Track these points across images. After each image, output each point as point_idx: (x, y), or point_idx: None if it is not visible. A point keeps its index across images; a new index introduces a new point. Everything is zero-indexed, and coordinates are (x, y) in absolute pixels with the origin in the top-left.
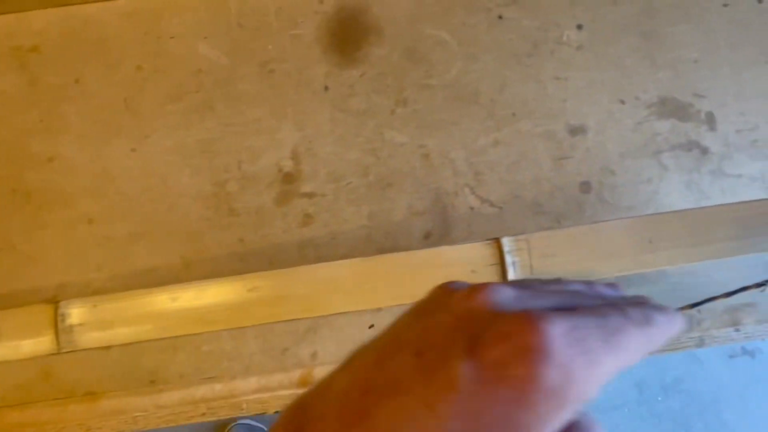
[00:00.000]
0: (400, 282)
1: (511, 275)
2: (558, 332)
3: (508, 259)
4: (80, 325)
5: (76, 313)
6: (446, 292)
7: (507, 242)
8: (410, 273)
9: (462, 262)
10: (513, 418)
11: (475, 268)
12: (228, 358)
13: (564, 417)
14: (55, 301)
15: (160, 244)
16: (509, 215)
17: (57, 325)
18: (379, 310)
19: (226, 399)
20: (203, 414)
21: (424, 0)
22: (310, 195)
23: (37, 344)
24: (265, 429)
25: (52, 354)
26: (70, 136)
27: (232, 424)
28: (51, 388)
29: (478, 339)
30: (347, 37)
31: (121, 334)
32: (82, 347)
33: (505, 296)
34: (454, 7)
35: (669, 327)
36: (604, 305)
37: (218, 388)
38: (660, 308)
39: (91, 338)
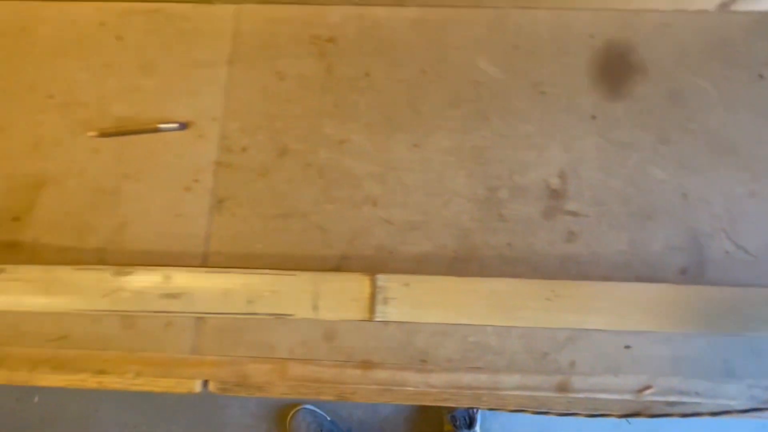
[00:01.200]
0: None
1: None
2: None
3: None
4: (393, 299)
5: (391, 287)
6: None
7: None
8: (714, 306)
9: None
10: None
11: None
12: (493, 352)
13: None
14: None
15: (434, 235)
16: (764, 265)
17: (374, 296)
18: (638, 333)
19: (489, 390)
20: (449, 400)
21: (688, 49)
22: (574, 213)
23: (352, 310)
24: (328, 417)
25: (363, 320)
26: (359, 123)
27: (297, 409)
28: (331, 351)
29: None
30: (614, 72)
31: (422, 313)
32: (391, 319)
33: None
34: (715, 60)
35: None
36: None
37: (483, 378)
38: None
39: (399, 313)
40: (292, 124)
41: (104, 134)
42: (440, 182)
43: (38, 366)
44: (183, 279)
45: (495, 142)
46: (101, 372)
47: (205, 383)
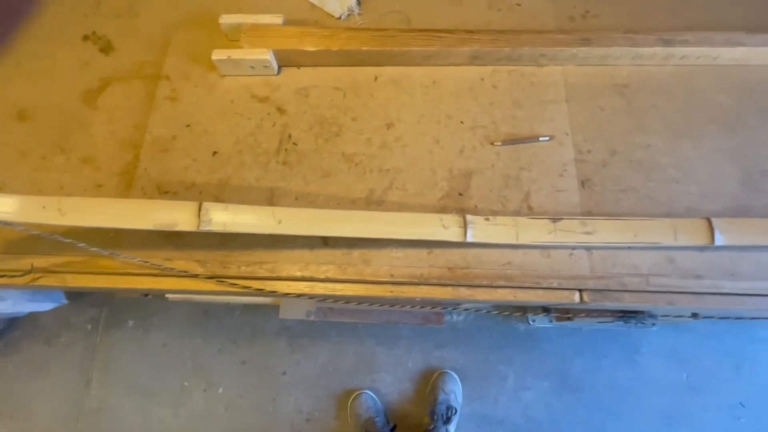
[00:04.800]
0: None
1: None
2: None
3: None
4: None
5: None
6: None
7: None
8: None
9: None
10: None
11: None
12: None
13: None
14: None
15: (711, 201)
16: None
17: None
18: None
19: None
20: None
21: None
22: None
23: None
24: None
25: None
26: (656, 135)
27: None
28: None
29: None
30: None
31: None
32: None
33: None
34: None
35: None
36: None
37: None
38: None
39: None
40: (615, 136)
41: (504, 143)
42: (714, 168)
43: (495, 281)
44: (593, 224)
45: (745, 143)
46: (520, 288)
47: (581, 296)
